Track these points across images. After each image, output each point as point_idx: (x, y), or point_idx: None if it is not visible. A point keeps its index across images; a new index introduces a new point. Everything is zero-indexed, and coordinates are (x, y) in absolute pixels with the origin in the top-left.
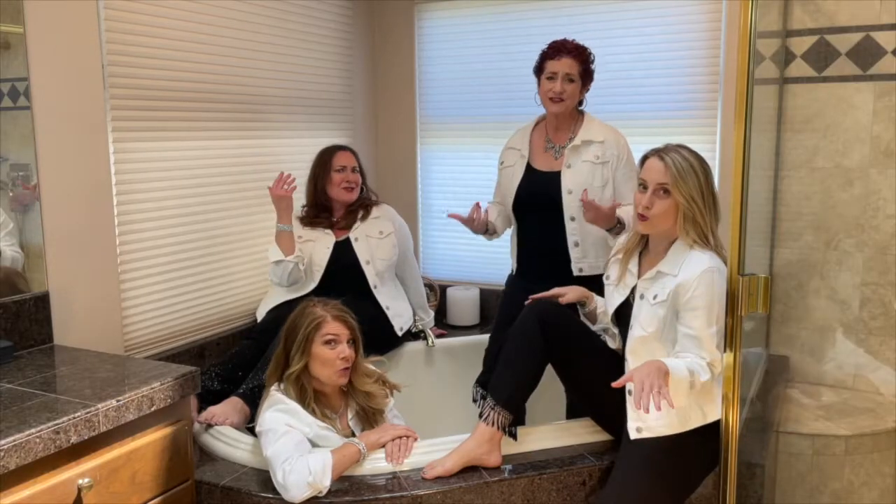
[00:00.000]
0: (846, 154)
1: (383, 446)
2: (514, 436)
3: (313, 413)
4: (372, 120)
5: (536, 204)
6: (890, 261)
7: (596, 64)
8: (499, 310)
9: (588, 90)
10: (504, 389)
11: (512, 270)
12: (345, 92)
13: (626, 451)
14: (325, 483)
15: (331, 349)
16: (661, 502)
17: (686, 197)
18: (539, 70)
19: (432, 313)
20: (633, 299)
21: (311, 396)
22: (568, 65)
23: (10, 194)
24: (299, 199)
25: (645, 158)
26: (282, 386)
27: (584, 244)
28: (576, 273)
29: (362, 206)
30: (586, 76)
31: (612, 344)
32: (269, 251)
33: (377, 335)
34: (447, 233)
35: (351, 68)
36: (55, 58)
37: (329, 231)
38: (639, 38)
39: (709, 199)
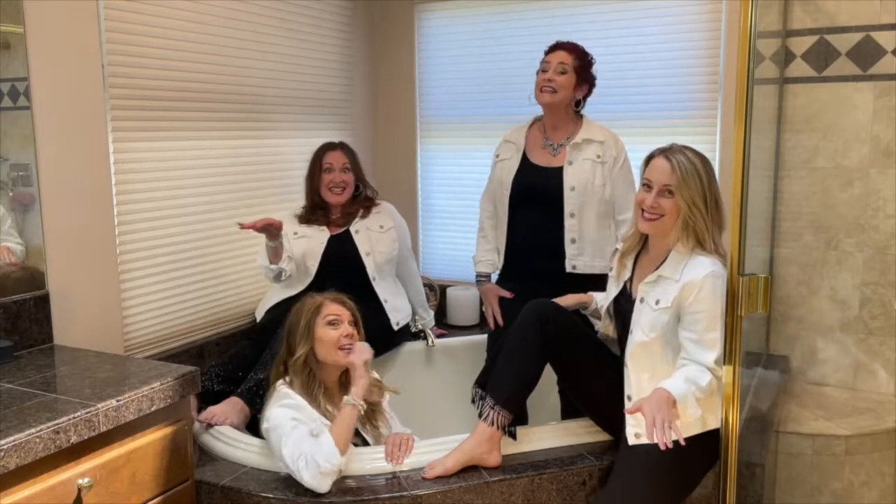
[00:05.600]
0: (846, 154)
1: (369, 385)
2: (513, 435)
3: (318, 406)
4: (372, 120)
5: (533, 199)
6: (890, 261)
7: (596, 69)
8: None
9: (586, 93)
10: (503, 389)
11: (494, 271)
12: (345, 92)
13: (625, 454)
14: (335, 461)
15: (334, 329)
16: (661, 503)
17: (688, 202)
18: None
19: (432, 312)
20: (632, 297)
21: (318, 385)
22: (561, 56)
23: (10, 194)
24: (295, 199)
25: (650, 157)
26: (287, 379)
27: (581, 241)
28: (568, 269)
29: (363, 205)
30: (582, 73)
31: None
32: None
33: (374, 330)
34: (447, 233)
35: (351, 68)
36: (55, 58)
37: (324, 228)
38: (638, 38)
39: (711, 204)
